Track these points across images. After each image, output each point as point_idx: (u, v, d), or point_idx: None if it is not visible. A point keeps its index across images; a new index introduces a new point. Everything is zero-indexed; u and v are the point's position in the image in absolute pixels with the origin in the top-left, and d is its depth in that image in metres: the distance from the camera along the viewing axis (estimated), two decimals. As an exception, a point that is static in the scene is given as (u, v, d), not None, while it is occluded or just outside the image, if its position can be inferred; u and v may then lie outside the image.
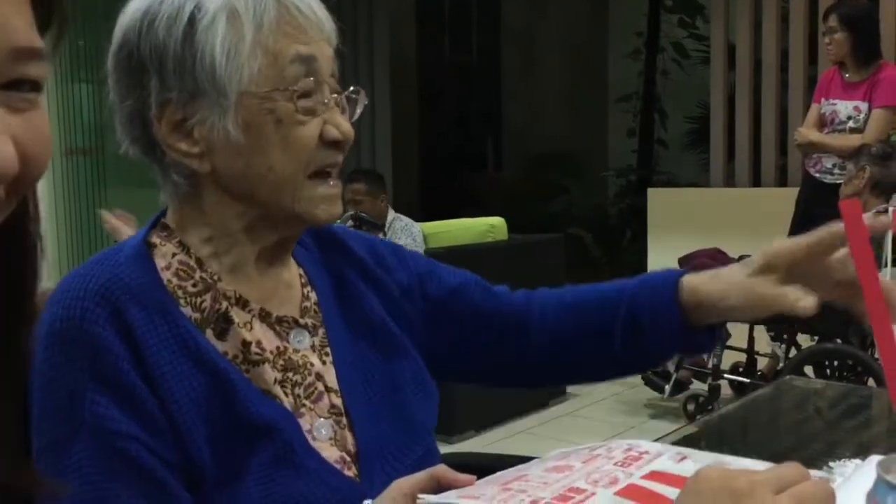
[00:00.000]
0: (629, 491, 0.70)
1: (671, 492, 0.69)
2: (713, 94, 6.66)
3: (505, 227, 3.92)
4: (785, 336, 3.55)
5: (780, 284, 0.86)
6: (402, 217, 3.92)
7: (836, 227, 0.82)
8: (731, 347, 3.74)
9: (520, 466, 0.77)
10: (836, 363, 3.41)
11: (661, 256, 5.73)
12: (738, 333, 3.70)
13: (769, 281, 0.86)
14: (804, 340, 3.59)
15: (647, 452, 0.79)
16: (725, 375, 3.67)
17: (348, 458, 0.85)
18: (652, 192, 6.49)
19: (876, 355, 3.25)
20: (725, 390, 3.77)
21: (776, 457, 0.77)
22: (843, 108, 3.74)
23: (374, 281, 0.97)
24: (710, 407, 3.51)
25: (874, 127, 3.62)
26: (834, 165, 3.74)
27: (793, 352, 3.55)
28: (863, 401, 1.06)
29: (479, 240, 3.76)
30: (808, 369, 3.45)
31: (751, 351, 3.81)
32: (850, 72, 3.76)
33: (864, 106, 3.69)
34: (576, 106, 9.84)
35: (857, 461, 0.73)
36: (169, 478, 0.74)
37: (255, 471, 0.78)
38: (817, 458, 0.72)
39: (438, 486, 0.73)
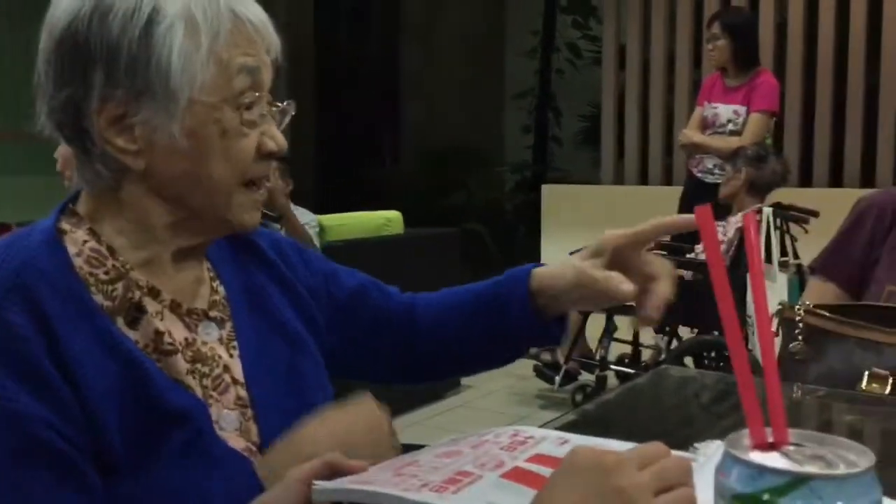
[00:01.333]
0: (514, 474, 0.74)
1: (548, 472, 0.73)
2: (604, 94, 6.86)
3: (401, 221, 3.95)
4: (667, 329, 3.72)
5: (607, 269, 0.92)
6: (299, 208, 3.89)
7: (663, 220, 0.89)
8: (617, 339, 3.88)
9: (412, 453, 0.80)
10: (713, 354, 3.59)
11: (554, 251, 5.88)
12: (624, 326, 3.84)
13: (598, 265, 0.92)
14: (685, 333, 3.76)
15: (531, 437, 0.83)
16: (612, 367, 3.81)
17: (254, 449, 0.86)
18: (546, 189, 6.64)
19: (749, 347, 3.44)
20: (612, 381, 3.92)
21: (650, 439, 0.83)
22: (724, 111, 3.93)
23: (282, 282, 0.98)
24: (597, 397, 3.64)
25: (751, 130, 3.82)
26: (715, 166, 3.93)
27: (675, 344, 3.72)
28: (730, 388, 1.14)
29: (375, 233, 3.77)
30: (690, 361, 3.63)
31: (636, 343, 3.97)
32: (730, 77, 3.96)
33: (742, 110, 3.89)
34: (473, 101, 9.95)
35: (719, 442, 0.79)
36: (82, 463, 0.74)
37: (166, 458, 0.78)
38: (687, 440, 0.78)
39: (332, 474, 0.75)
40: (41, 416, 0.72)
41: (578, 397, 3.69)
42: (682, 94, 6.35)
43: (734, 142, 3.80)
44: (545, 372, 3.80)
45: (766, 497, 0.43)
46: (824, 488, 0.42)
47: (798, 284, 3.52)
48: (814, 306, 1.36)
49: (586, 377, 3.81)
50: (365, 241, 3.61)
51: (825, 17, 5.80)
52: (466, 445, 0.81)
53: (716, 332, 3.55)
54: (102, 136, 0.80)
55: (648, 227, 0.92)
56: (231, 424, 0.86)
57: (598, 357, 3.75)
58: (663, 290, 0.90)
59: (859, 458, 0.45)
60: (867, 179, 5.77)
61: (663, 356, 3.67)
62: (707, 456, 0.75)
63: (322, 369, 0.99)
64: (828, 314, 1.33)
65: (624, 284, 0.89)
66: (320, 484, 0.73)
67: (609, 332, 3.76)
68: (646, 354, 4.04)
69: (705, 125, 4.00)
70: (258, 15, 0.84)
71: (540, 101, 9.18)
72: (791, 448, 0.46)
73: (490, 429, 0.86)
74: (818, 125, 5.94)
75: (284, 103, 0.89)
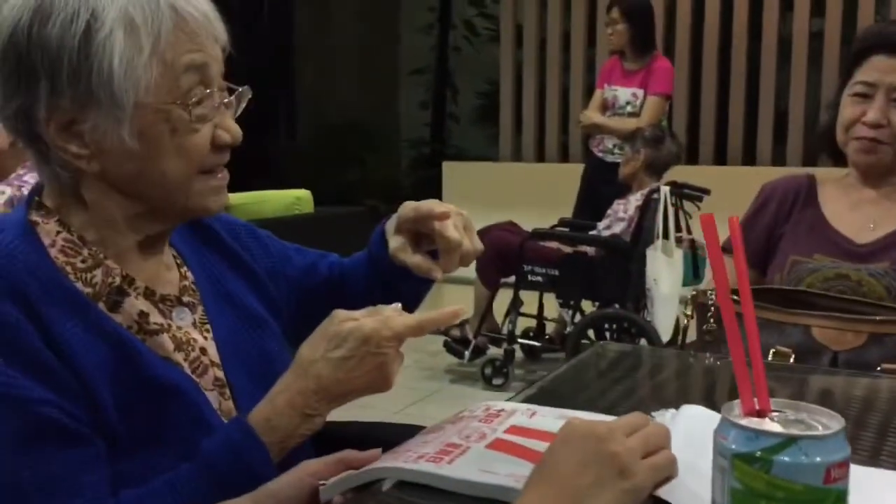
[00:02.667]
0: (496, 444, 0.81)
1: (530, 443, 0.81)
2: (502, 72, 6.99)
3: (311, 200, 3.95)
4: (571, 302, 3.87)
5: (412, 246, 1.00)
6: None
7: (431, 204, 0.97)
8: (523, 314, 4.01)
9: (400, 444, 0.85)
10: (614, 326, 3.77)
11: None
12: (529, 300, 3.98)
13: (404, 246, 1.00)
14: (587, 306, 3.92)
15: (503, 410, 0.90)
16: (519, 340, 3.94)
17: None
18: (447, 166, 6.73)
19: (648, 318, 3.63)
20: (519, 354, 4.05)
21: (606, 410, 0.91)
22: (623, 93, 4.10)
23: (241, 267, 1.01)
24: (505, 370, 3.76)
25: (648, 112, 4.00)
26: (614, 146, 4.10)
27: (578, 317, 3.88)
28: (663, 361, 1.25)
29: (284, 213, 3.76)
30: (592, 333, 3.79)
31: (540, 317, 4.11)
32: (628, 61, 4.12)
33: (640, 92, 4.06)
34: (369, 77, 9.92)
35: (673, 410, 0.88)
36: (90, 435, 0.76)
37: (169, 430, 0.81)
38: (638, 408, 0.86)
39: (344, 468, 0.81)
40: (44, 398, 0.74)
41: (488, 371, 3.80)
42: (577, 72, 6.55)
43: (632, 123, 3.97)
44: (454, 347, 3.90)
45: (759, 454, 0.51)
46: (809, 446, 0.51)
47: (692, 258, 3.72)
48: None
49: (494, 351, 3.93)
50: (276, 221, 3.60)
51: (711, 2, 6.09)
52: (447, 423, 0.88)
53: (616, 306, 3.72)
54: (55, 143, 0.81)
55: (425, 207, 0.98)
56: (213, 405, 0.89)
57: (505, 331, 3.87)
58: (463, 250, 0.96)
59: (831, 421, 0.54)
60: (749, 158, 6.12)
61: (568, 329, 3.82)
62: (664, 423, 0.83)
63: (285, 349, 1.02)
64: (736, 298, 1.45)
65: (433, 271, 0.98)
66: (327, 483, 0.78)
67: (515, 306, 3.88)
68: (550, 328, 4.19)
69: (605, 106, 4.16)
70: (201, 8, 0.84)
71: (437, 77, 9.24)
72: (775, 414, 0.55)
73: (463, 409, 0.93)
74: (704, 107, 6.25)
75: (241, 89, 0.89)
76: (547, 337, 4.16)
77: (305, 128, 9.78)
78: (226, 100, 0.87)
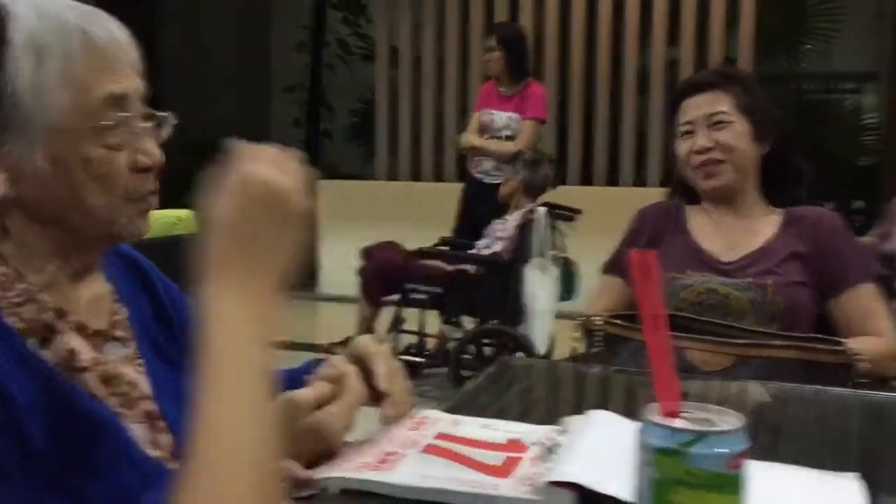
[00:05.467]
0: (430, 450, 0.89)
1: (460, 447, 0.89)
2: (378, 92, 7.09)
3: (192, 220, 3.88)
4: (453, 319, 3.99)
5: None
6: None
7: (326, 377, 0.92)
8: (405, 331, 4.10)
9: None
10: (494, 341, 3.91)
11: (333, 247, 5.98)
12: (411, 317, 4.07)
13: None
14: (469, 322, 4.05)
15: (427, 418, 0.98)
16: (401, 356, 4.02)
17: (168, 458, 0.91)
18: (322, 184, 6.72)
19: (525, 332, 3.78)
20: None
21: (521, 418, 1.00)
22: (500, 117, 4.28)
23: (161, 304, 1.01)
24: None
25: (525, 136, 4.20)
26: (493, 167, 4.27)
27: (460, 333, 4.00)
28: (561, 374, 1.36)
29: (165, 233, 3.69)
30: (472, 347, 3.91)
31: (422, 334, 4.21)
32: (504, 86, 4.31)
33: (516, 117, 4.25)
34: (240, 93, 9.78)
35: (581, 416, 0.98)
36: (17, 472, 0.75)
37: (95, 467, 0.81)
38: (547, 417, 0.97)
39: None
40: None
41: (371, 387, 3.85)
42: (451, 93, 6.73)
43: (510, 146, 4.15)
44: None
45: (677, 448, 0.62)
46: (716, 440, 0.62)
47: (566, 275, 3.92)
48: (610, 316, 1.61)
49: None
50: (158, 244, 3.52)
51: (577, 28, 6.42)
52: (377, 436, 0.94)
53: (495, 321, 3.87)
54: None
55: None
56: (142, 438, 0.89)
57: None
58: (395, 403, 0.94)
59: (732, 419, 0.65)
60: (612, 179, 6.48)
61: (450, 345, 3.94)
62: (575, 428, 0.94)
63: None
64: (619, 322, 1.58)
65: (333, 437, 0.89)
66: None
67: (398, 324, 3.97)
68: (432, 343, 4.30)
69: (484, 129, 4.33)
70: (113, 32, 0.84)
71: (311, 95, 9.22)
72: (687, 414, 0.66)
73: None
74: (571, 131, 6.57)
75: (163, 114, 0.90)
76: (427, 353, 4.26)
77: (174, 147, 9.49)
78: (144, 125, 0.87)
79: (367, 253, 4.02)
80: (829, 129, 7.01)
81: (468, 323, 4.09)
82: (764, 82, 6.65)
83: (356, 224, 5.94)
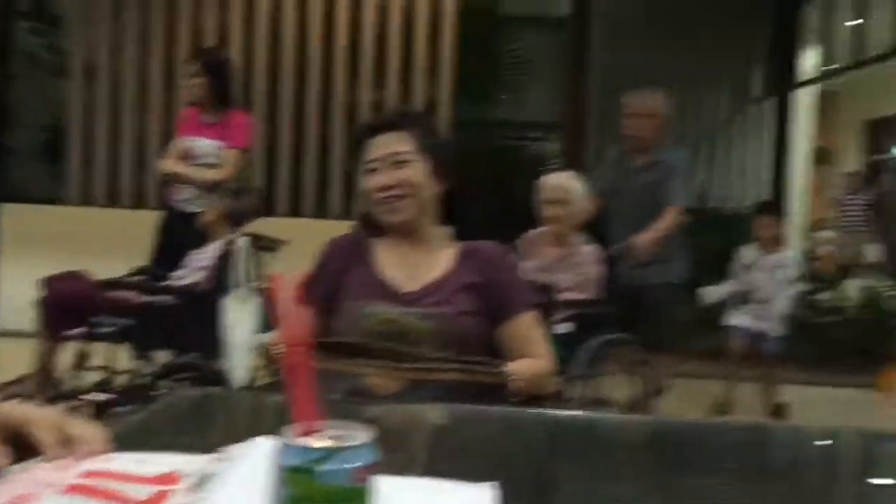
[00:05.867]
0: (73, 489, 0.83)
1: (110, 483, 0.85)
2: (72, 110, 6.60)
3: None
4: (144, 353, 3.79)
5: None
6: None
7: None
8: (90, 368, 3.81)
9: None
10: (190, 375, 3.76)
11: (17, 277, 5.42)
12: (98, 352, 3.79)
13: None
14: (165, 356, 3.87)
15: (73, 460, 0.92)
16: (84, 397, 3.73)
17: None
18: (6, 208, 6.10)
19: (223, 368, 3.69)
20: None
21: (188, 449, 0.98)
22: (202, 145, 4.17)
23: None
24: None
25: (228, 165, 4.12)
26: (194, 196, 4.14)
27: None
28: (235, 403, 1.35)
29: None
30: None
31: (111, 369, 3.94)
32: (207, 113, 4.21)
33: (218, 144, 4.16)
34: None
35: (242, 444, 0.98)
36: None
37: None
38: (213, 446, 0.96)
39: None
40: None
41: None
42: (156, 115, 6.45)
43: (212, 174, 4.06)
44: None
45: (305, 465, 0.64)
46: (344, 455, 0.65)
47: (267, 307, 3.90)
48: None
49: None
50: None
51: (287, 61, 6.47)
52: (13, 476, 0.87)
53: (193, 355, 3.73)
54: None
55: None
56: None
57: (70, 387, 3.64)
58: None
59: (363, 435, 0.68)
60: (321, 211, 6.56)
61: (141, 380, 3.72)
62: (232, 457, 0.93)
63: None
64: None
65: None
66: None
67: (82, 361, 3.69)
68: (122, 380, 4.04)
69: (185, 156, 4.19)
70: None
71: (-6, 109, 8.36)
72: (324, 433, 0.68)
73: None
74: (279, 163, 6.57)
75: None
76: (117, 389, 4.00)
77: None
78: None
79: (47, 284, 3.71)
80: (516, 173, 7.63)
81: (164, 357, 3.90)
82: (462, 127, 7.15)
83: (43, 252, 5.44)
